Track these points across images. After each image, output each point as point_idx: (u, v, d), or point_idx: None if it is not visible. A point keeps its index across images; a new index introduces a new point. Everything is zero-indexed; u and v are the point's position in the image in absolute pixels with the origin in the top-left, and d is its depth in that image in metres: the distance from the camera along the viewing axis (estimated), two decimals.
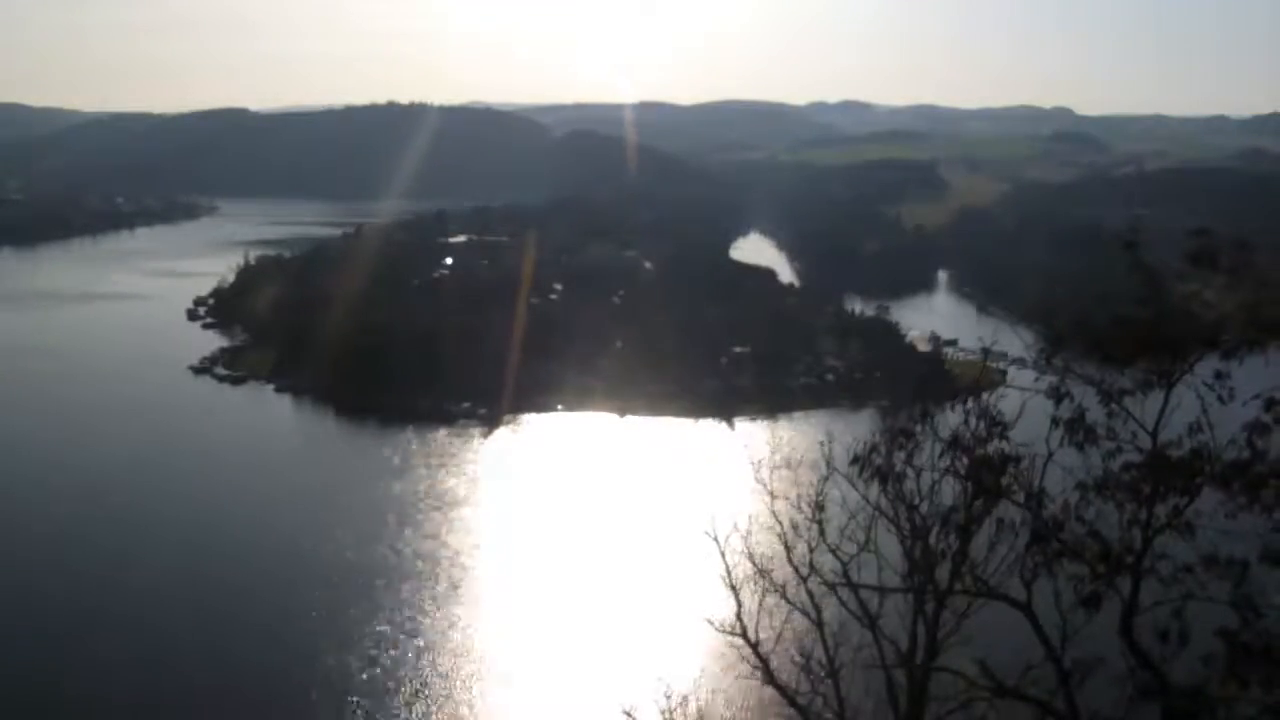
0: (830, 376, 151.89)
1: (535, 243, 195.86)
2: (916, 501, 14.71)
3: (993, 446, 14.05)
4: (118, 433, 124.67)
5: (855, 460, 14.86)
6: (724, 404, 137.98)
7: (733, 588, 16.79)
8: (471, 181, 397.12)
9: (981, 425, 14.10)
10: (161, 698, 65.29)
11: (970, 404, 14.26)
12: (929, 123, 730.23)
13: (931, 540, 14.55)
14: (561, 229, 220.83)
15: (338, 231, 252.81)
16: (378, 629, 75.91)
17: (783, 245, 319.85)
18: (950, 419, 14.38)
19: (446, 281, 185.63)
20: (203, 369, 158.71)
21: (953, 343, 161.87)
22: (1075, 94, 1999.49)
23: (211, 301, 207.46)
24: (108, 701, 64.88)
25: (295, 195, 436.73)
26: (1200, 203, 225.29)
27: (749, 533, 17.63)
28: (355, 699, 66.60)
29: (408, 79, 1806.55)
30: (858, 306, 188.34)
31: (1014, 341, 24.48)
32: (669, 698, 18.19)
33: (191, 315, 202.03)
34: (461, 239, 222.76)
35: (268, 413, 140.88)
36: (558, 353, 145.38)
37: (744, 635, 16.12)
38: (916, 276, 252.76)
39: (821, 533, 15.73)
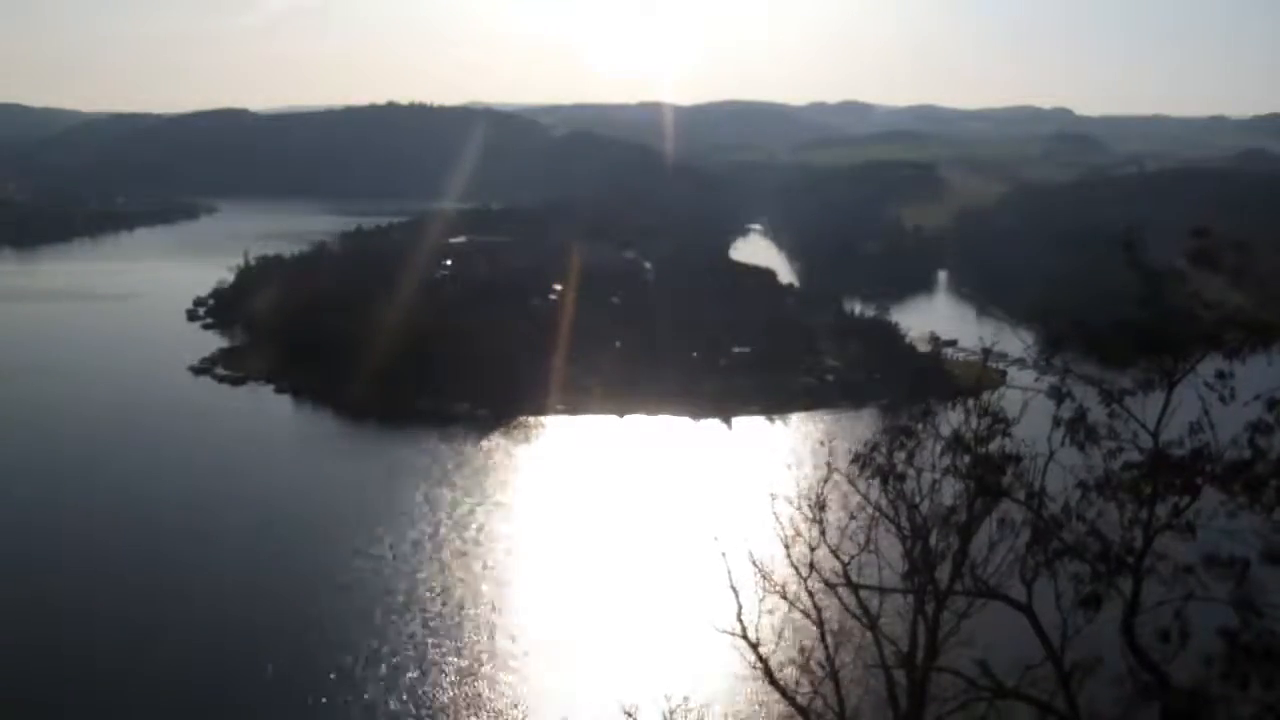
0: (830, 377, 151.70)
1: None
2: (917, 501, 14.69)
3: (994, 446, 14.05)
4: (116, 437, 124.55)
5: (855, 460, 14.85)
6: (724, 404, 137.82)
7: (733, 588, 16.78)
8: (471, 182, 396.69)
9: (982, 424, 14.10)
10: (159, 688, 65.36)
11: (971, 403, 14.26)
12: (929, 123, 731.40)
13: (932, 540, 14.53)
14: (561, 229, 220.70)
15: (338, 232, 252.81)
16: (375, 629, 75.86)
17: (783, 245, 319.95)
18: (951, 418, 14.37)
19: (446, 283, 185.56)
20: (203, 369, 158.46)
21: (953, 343, 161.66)
22: (1075, 94, 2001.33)
23: (211, 302, 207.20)
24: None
25: (295, 196, 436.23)
26: (1200, 203, 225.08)
27: (749, 533, 17.61)
28: (364, 694, 66.67)
29: (408, 79, 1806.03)
30: (858, 307, 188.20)
31: (1014, 342, 24.45)
32: (669, 698, 18.17)
33: (191, 315, 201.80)
34: (461, 239, 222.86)
35: (267, 413, 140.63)
36: (557, 353, 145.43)
37: (744, 635, 16.10)
38: (916, 277, 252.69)
39: (821, 533, 15.72)
